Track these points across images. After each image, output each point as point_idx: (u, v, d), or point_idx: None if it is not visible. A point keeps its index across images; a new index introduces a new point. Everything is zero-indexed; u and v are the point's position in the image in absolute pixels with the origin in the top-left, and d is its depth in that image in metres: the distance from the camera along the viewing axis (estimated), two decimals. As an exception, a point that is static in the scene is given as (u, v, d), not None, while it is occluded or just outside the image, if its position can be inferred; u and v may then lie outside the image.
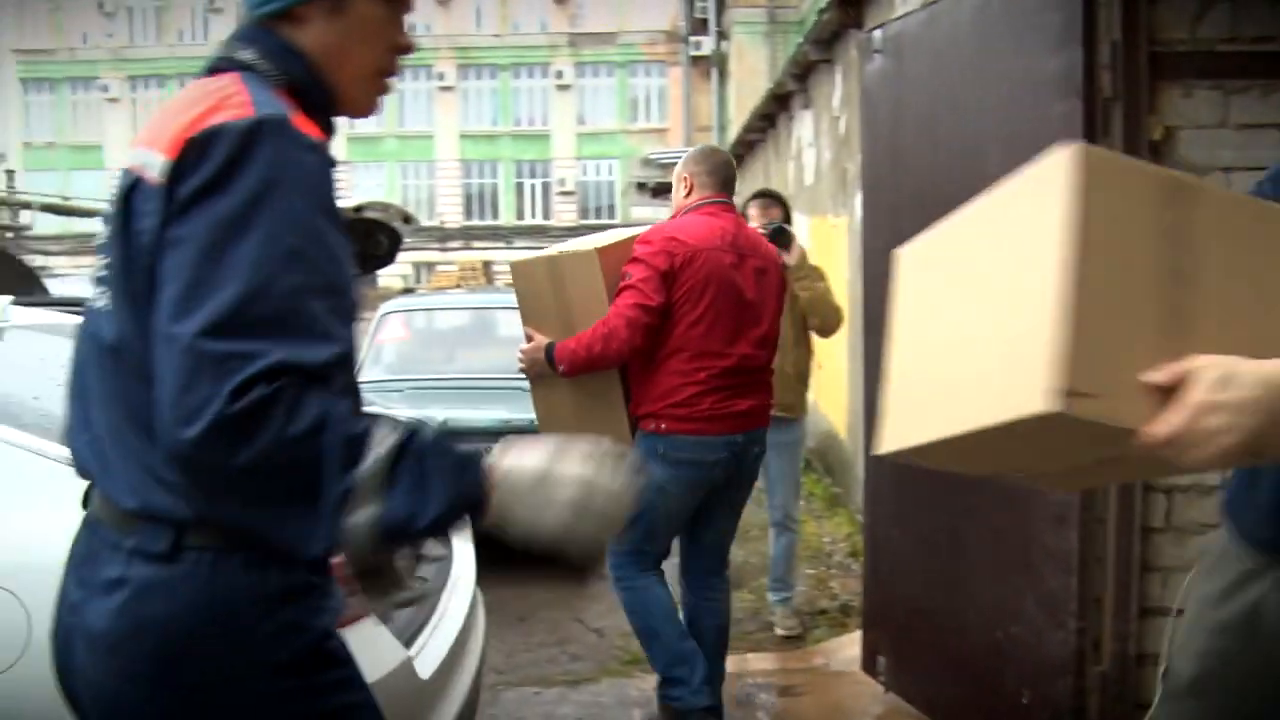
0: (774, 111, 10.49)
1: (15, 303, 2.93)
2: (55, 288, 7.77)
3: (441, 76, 36.84)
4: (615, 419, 3.42)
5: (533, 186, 37.27)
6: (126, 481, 1.34)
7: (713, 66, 32.42)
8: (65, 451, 1.64)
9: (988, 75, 3.15)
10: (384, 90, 1.54)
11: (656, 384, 3.38)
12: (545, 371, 3.42)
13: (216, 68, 1.41)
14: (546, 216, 37.15)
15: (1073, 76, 2.87)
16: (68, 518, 2.16)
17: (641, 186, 32.05)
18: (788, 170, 9.81)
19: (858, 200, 5.11)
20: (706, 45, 32.66)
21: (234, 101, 1.29)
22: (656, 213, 30.94)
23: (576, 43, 36.35)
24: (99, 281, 1.40)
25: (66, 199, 35.71)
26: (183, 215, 1.24)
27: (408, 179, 37.42)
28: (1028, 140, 2.72)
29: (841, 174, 6.92)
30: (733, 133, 18.64)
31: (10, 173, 33.63)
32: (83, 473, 1.47)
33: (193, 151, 1.25)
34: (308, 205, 1.26)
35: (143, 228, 1.28)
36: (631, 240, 3.43)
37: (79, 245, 35.85)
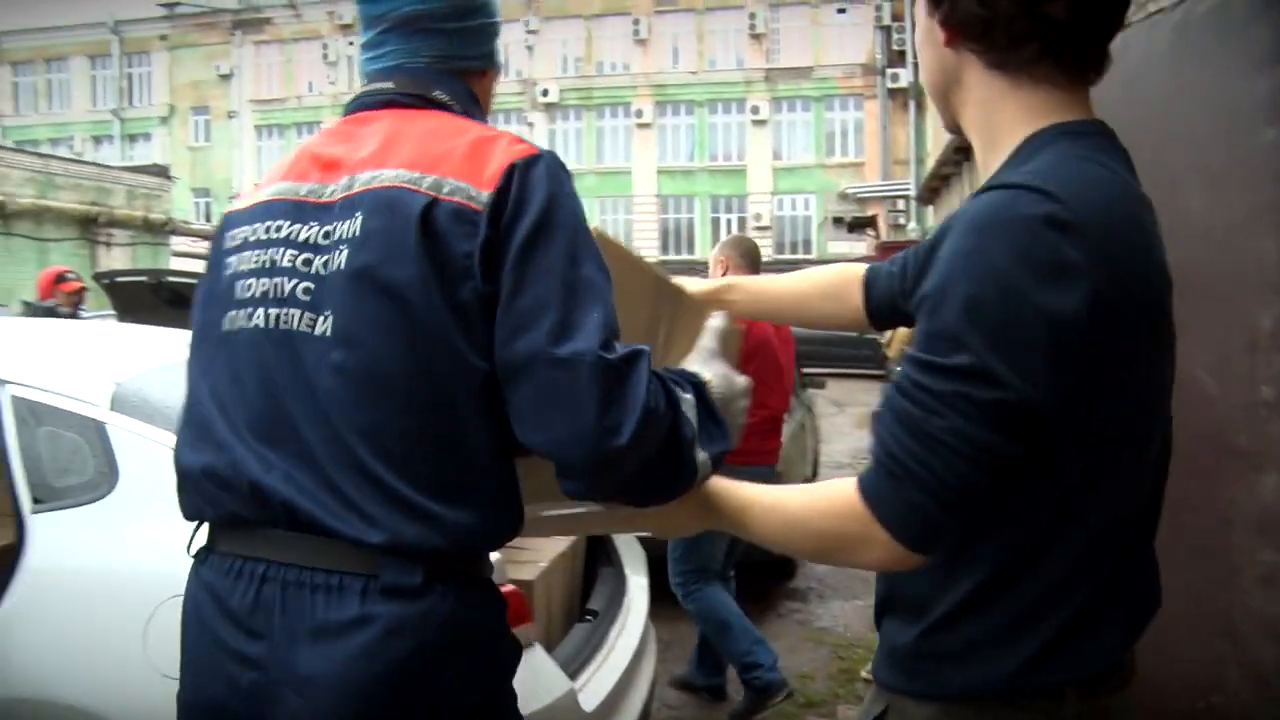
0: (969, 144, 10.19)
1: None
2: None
3: (640, 114, 37.52)
4: None
5: (728, 221, 37.37)
6: (367, 517, 1.31)
7: (910, 99, 31.90)
8: None
9: (1184, 102, 2.98)
10: None
11: None
12: None
13: (402, 104, 1.52)
14: (739, 252, 37.22)
15: (1283, 101, 2.68)
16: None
17: (838, 221, 31.73)
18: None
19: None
20: (904, 77, 32.20)
21: (510, 137, 1.42)
22: (852, 248, 30.56)
23: (772, 78, 36.40)
24: (292, 304, 1.38)
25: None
26: (531, 248, 1.32)
27: (606, 214, 38.21)
28: (1229, 171, 2.56)
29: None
30: (930, 167, 18.20)
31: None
32: (281, 509, 1.36)
33: (514, 184, 1.35)
34: (584, 229, 1.39)
35: (467, 251, 1.33)
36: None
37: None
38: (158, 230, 32.30)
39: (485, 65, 1.61)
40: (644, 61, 37.62)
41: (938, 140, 24.65)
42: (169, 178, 33.92)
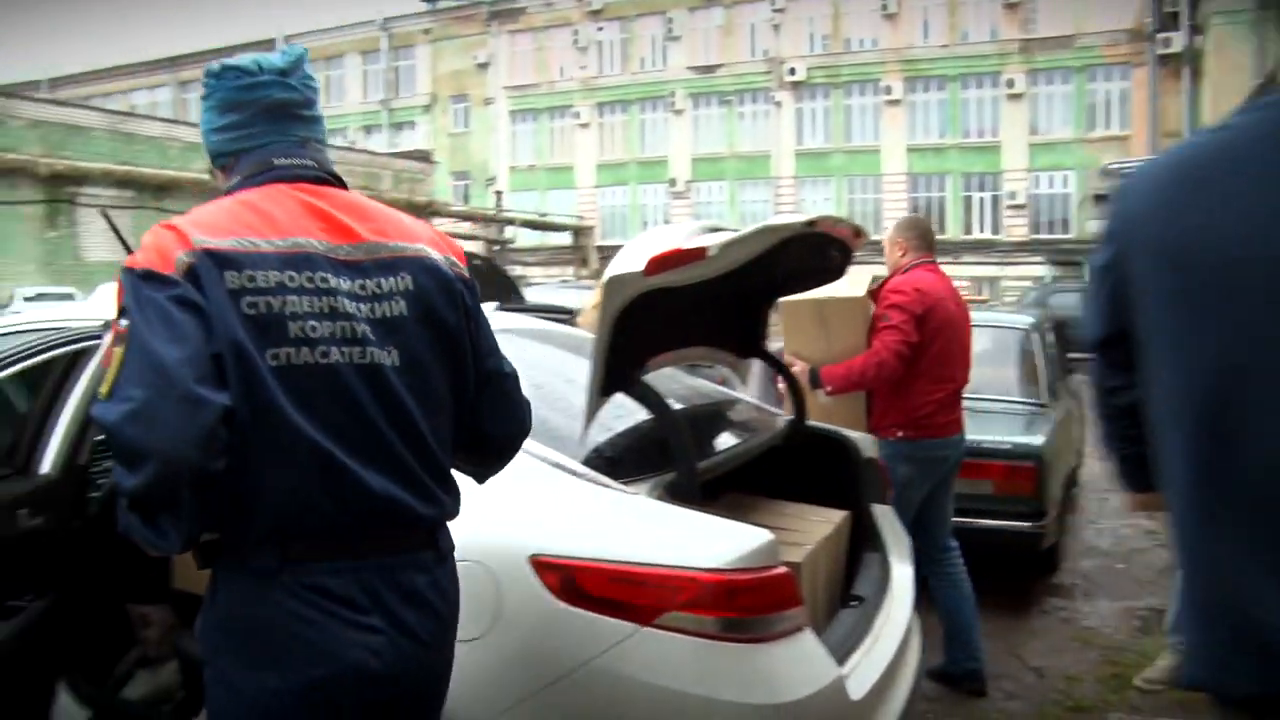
0: None
1: (499, 308, 3.24)
2: (531, 295, 8.56)
3: (889, 90, 36.62)
4: (857, 421, 4.20)
5: (981, 200, 36.05)
6: (439, 502, 1.84)
7: (1184, 65, 29.67)
8: (534, 445, 2.23)
9: None
10: None
11: (904, 402, 4.21)
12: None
13: (328, 182, 1.89)
14: (995, 231, 35.81)
15: None
16: (528, 499, 2.33)
17: (1100, 199, 29.91)
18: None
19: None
20: (1177, 42, 29.97)
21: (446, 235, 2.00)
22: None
23: (1029, 49, 34.66)
24: (362, 343, 1.72)
25: (543, 215, 39.53)
26: (475, 298, 1.92)
27: (854, 193, 37.56)
28: None
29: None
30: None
31: (499, 194, 37.75)
32: (385, 504, 1.74)
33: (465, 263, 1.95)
34: None
35: (468, 303, 1.90)
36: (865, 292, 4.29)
37: (551, 257, 39.53)
38: (420, 211, 34.03)
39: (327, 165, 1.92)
40: (893, 36, 36.62)
41: (1215, 109, 22.70)
42: (431, 162, 35.81)
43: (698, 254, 2.20)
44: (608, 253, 40.92)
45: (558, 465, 2.36)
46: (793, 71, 37.88)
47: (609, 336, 2.32)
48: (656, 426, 2.52)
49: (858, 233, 3.00)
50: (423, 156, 37.65)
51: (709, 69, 39.90)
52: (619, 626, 2.15)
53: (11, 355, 2.62)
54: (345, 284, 1.71)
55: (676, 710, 2.14)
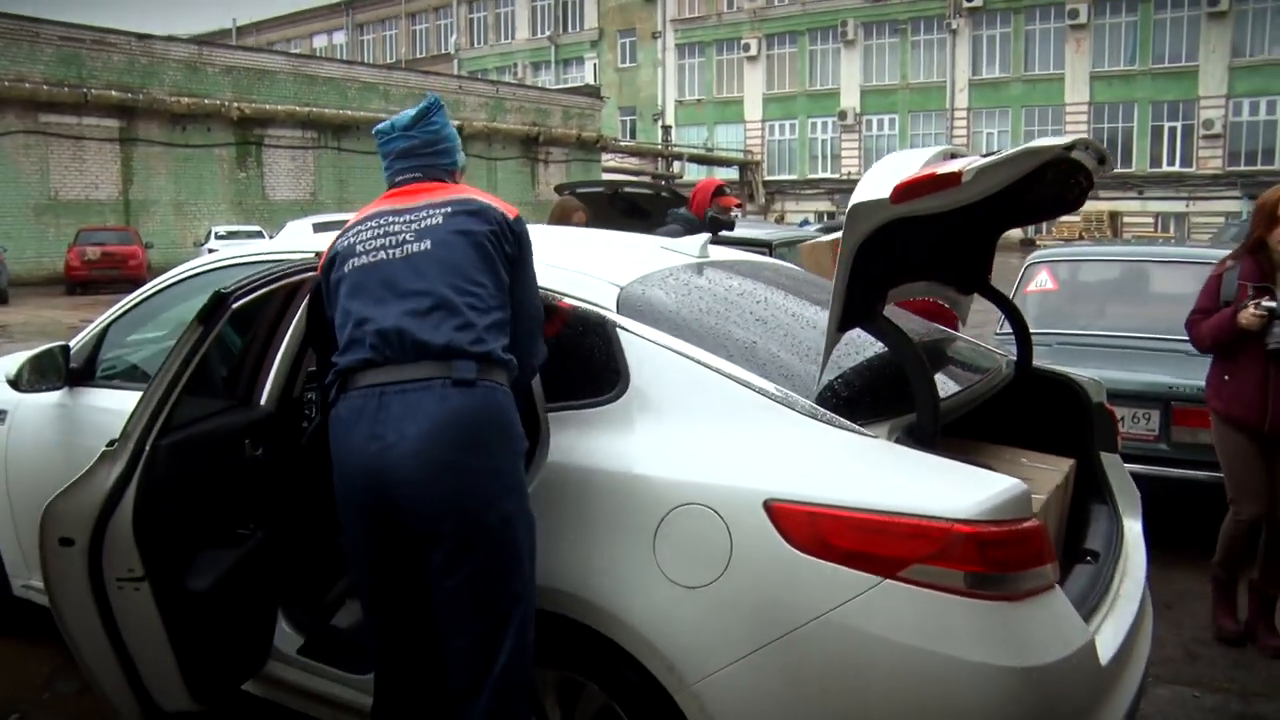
0: None
1: (711, 240, 3.12)
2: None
3: (1074, 14, 34.72)
4: None
5: (1171, 130, 34.06)
6: (440, 331, 2.33)
7: None
8: (765, 383, 2.26)
9: None
10: None
11: None
12: None
13: (434, 176, 2.67)
14: (1186, 163, 33.77)
15: None
16: (761, 440, 2.21)
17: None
18: None
19: None
20: None
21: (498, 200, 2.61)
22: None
23: (1239, -38, 32.21)
24: (412, 242, 2.47)
25: (709, 149, 39.21)
26: (520, 252, 2.52)
27: (1032, 125, 35.96)
28: None
29: None
30: None
31: (666, 129, 37.60)
32: (396, 336, 2.33)
33: (520, 220, 2.56)
34: None
35: (500, 239, 2.48)
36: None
37: (717, 194, 39.20)
38: (589, 147, 34.30)
39: (454, 168, 2.73)
40: (1081, -44, 34.63)
41: None
42: (599, 98, 35.84)
43: (952, 180, 2.01)
44: (774, 187, 40.49)
45: (791, 405, 2.23)
46: (970, -3, 36.29)
47: (849, 267, 2.16)
48: (895, 364, 2.36)
49: (1103, 159, 2.74)
50: (591, 92, 37.72)
51: (883, -4, 38.61)
52: (859, 578, 2.01)
53: (244, 286, 2.64)
54: (401, 219, 2.50)
55: (919, 670, 2.00)
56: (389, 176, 2.65)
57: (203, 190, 27.34)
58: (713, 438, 2.25)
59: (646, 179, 29.30)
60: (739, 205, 7.11)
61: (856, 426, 2.19)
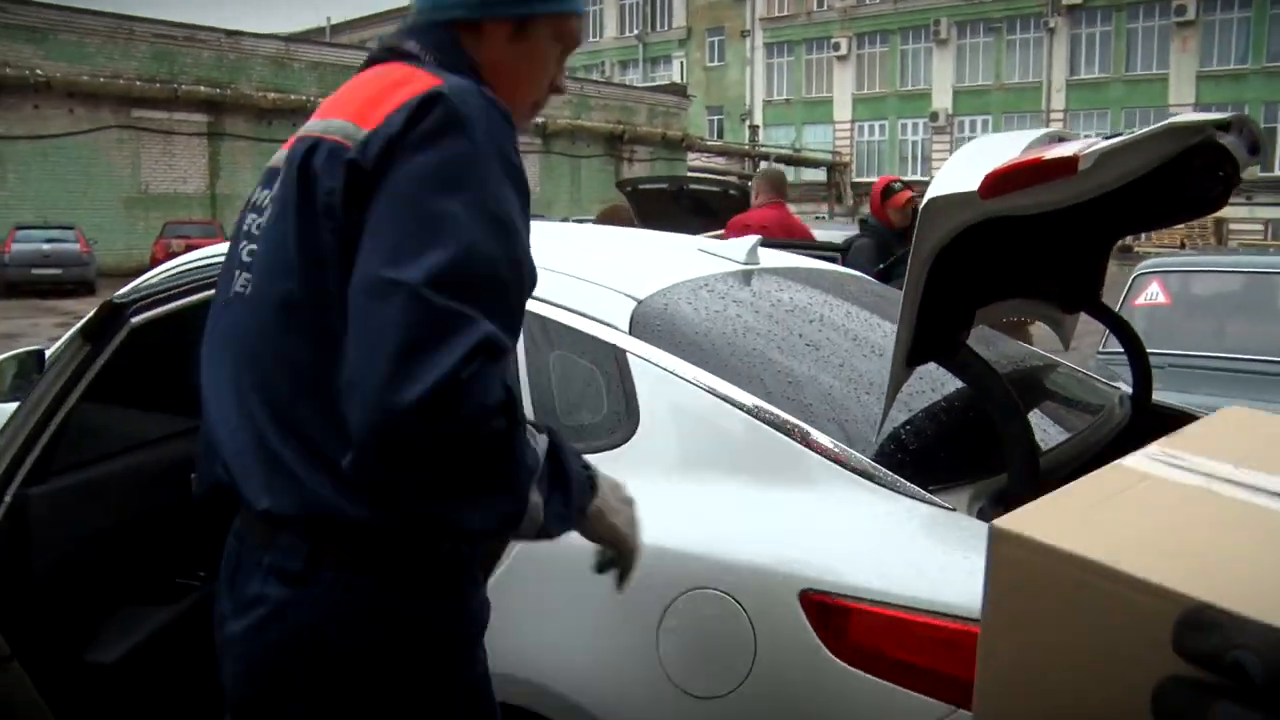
0: None
1: (762, 243, 2.59)
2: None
3: (1180, 10, 33.30)
4: None
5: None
6: (263, 478, 1.29)
7: None
8: (810, 430, 1.73)
9: None
10: (531, 124, 1.57)
11: None
12: None
13: (377, 59, 1.42)
14: (1301, 168, 32.10)
15: None
16: (800, 510, 1.71)
17: None
18: None
19: None
20: None
21: (429, 79, 1.29)
22: None
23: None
24: (241, 268, 1.39)
25: (797, 150, 38.56)
26: (392, 172, 1.21)
27: (1134, 128, 34.48)
28: None
29: None
30: None
31: (754, 128, 37.05)
32: (223, 476, 1.36)
33: (395, 122, 1.23)
34: (505, 174, 1.24)
35: (329, 187, 1.25)
36: None
37: (805, 193, 38.61)
38: (674, 146, 33.90)
39: (468, 14, 1.41)
40: (1190, -52, 33.23)
41: None
42: (686, 96, 35.41)
43: (1066, 166, 1.47)
44: (863, 189, 39.58)
45: (842, 462, 1.70)
46: (1070, -6, 35.09)
47: (924, 283, 1.63)
48: (979, 410, 1.82)
49: (1256, 146, 2.16)
50: (678, 90, 37.26)
51: (978, -6, 37.53)
52: (924, 705, 1.48)
53: (148, 296, 2.19)
54: (257, 198, 1.45)
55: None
56: None
57: (287, 185, 27.48)
58: (739, 501, 1.73)
59: (729, 177, 28.83)
60: (911, 201, 5.83)
61: (927, 493, 1.66)
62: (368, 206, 1.21)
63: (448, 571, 1.35)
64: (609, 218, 5.43)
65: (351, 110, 1.29)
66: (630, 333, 1.96)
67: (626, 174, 31.02)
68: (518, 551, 1.84)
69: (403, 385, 1.09)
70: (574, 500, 1.33)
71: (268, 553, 1.29)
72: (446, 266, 1.14)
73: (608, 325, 1.98)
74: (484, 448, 1.15)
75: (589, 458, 1.81)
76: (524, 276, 1.26)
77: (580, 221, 7.50)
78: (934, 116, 38.63)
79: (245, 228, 1.41)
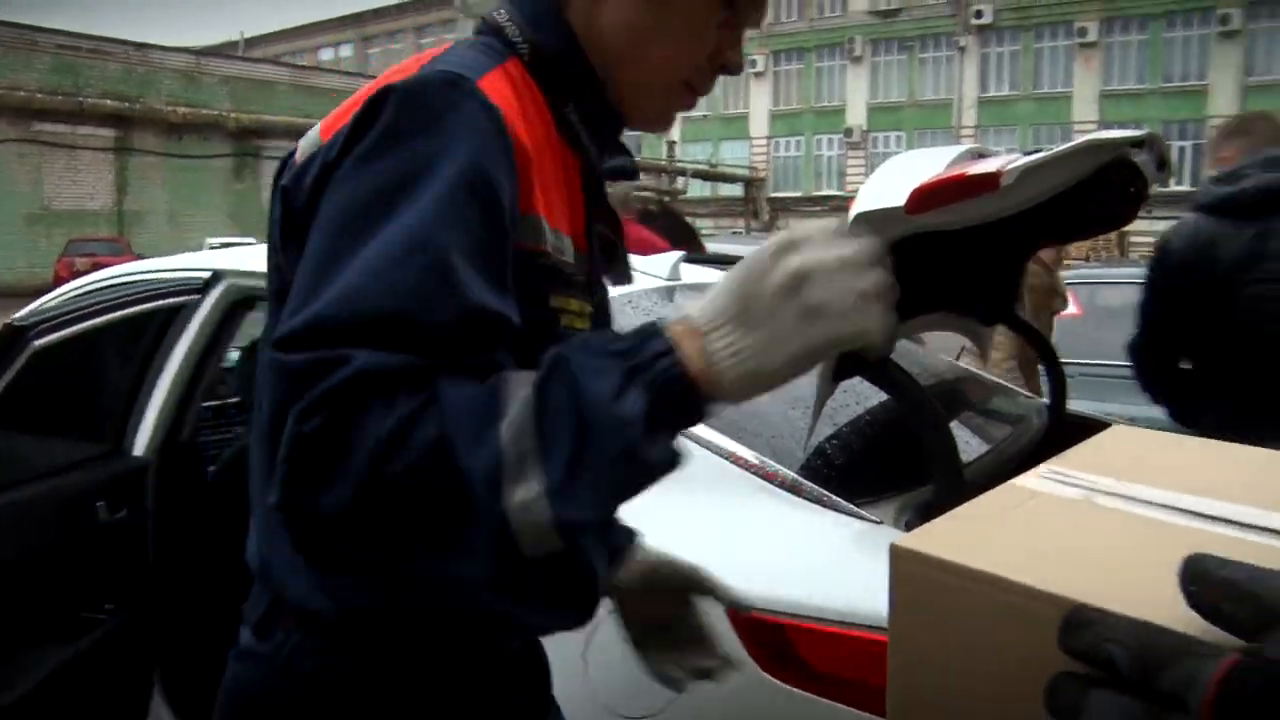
0: None
1: (683, 259, 2.59)
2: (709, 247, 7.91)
3: (1083, 32, 34.34)
4: None
5: (1181, 149, 33.55)
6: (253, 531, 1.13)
7: None
8: (735, 446, 1.65)
9: None
10: (684, 106, 1.14)
11: None
12: None
13: (479, 30, 1.14)
14: (1196, 182, 33.23)
15: None
16: (729, 527, 1.71)
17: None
18: None
19: None
20: None
21: (407, 66, 1.02)
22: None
23: (1247, -18, 31.90)
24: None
25: (715, 165, 38.87)
26: (324, 201, 0.93)
27: (1041, 143, 35.47)
28: None
29: None
30: None
31: (671, 143, 37.22)
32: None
33: (349, 127, 0.96)
34: (459, 191, 0.90)
35: (274, 217, 1.04)
36: None
37: (723, 208, 38.94)
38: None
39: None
40: (1078, -27, 34.39)
41: None
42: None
43: (989, 183, 1.50)
44: (779, 204, 40.05)
45: (768, 477, 1.70)
46: (979, 14, 36.05)
47: (849, 299, 1.65)
48: (904, 424, 1.84)
49: (1163, 165, 2.22)
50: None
51: (890, 13, 38.32)
52: (857, 718, 1.50)
53: (51, 318, 2.11)
54: None
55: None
56: None
57: (199, 201, 26.94)
58: (667, 519, 1.72)
59: (645, 193, 28.91)
60: None
61: (854, 506, 1.66)
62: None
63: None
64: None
65: (332, 115, 1.07)
66: (556, 350, 1.95)
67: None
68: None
69: (273, 475, 0.84)
70: (605, 450, 0.80)
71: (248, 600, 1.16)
72: (317, 315, 0.85)
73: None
74: (397, 500, 0.80)
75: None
76: (445, 323, 0.87)
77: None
78: (849, 132, 39.24)
79: None
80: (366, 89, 1.00)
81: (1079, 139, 1.64)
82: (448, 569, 0.87)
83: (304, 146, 1.05)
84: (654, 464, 0.82)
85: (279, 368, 0.84)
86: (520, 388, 0.81)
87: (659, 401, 0.80)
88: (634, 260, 2.60)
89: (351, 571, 0.98)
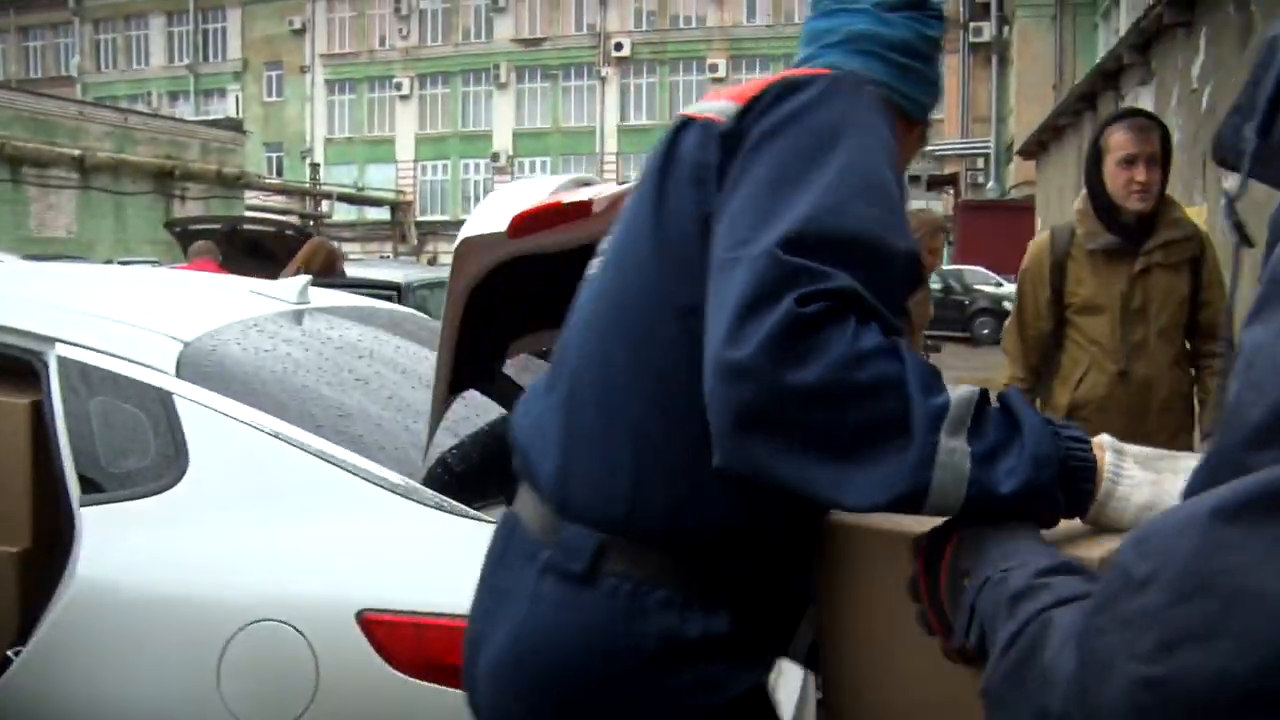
0: (1095, 91, 9.42)
1: (313, 283, 2.62)
2: (350, 272, 7.83)
3: (714, 68, 36.83)
4: None
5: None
6: (559, 463, 1.21)
7: (993, 54, 30.72)
8: (360, 460, 1.69)
9: None
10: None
11: None
12: None
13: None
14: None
15: None
16: (353, 535, 1.77)
17: (915, 179, 30.70)
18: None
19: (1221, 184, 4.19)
20: (987, 32, 30.94)
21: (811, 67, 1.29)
22: (930, 206, 29.59)
23: (853, 31, 35.46)
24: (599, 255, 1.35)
25: (360, 189, 38.13)
26: (755, 151, 1.13)
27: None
28: None
29: (1200, 155, 5.97)
30: (1013, 125, 17.18)
31: (315, 166, 36.16)
32: (519, 457, 1.32)
33: (769, 94, 1.17)
34: (882, 151, 1.14)
35: (699, 161, 1.18)
36: None
37: (369, 232, 38.22)
38: (231, 184, 32.26)
39: (915, 114, 1.41)
40: (719, 15, 36.82)
41: (1022, 96, 23.56)
42: (242, 132, 33.89)
43: (581, 209, 1.67)
44: (427, 228, 39.89)
45: (390, 487, 1.80)
46: (619, 47, 37.63)
47: (459, 316, 1.77)
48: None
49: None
50: (234, 125, 35.56)
51: (534, 42, 39.21)
52: (479, 703, 1.62)
53: None
54: None
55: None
56: None
57: None
58: (295, 533, 1.78)
59: (289, 217, 27.92)
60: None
61: (470, 510, 1.80)
62: (734, 180, 1.12)
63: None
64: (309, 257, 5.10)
65: (733, 94, 1.22)
66: (177, 375, 1.94)
67: (179, 213, 29.14)
68: (69, 598, 1.77)
69: (741, 339, 0.97)
70: (1031, 449, 0.96)
71: (546, 549, 1.19)
72: (800, 227, 1.01)
73: (153, 369, 1.95)
74: (848, 399, 0.95)
75: (136, 505, 1.78)
76: (902, 255, 1.08)
77: (126, 264, 7.00)
78: (495, 157, 39.72)
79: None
80: (759, 83, 1.20)
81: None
82: (841, 485, 0.96)
83: (713, 109, 1.20)
84: (1050, 498, 0.97)
85: (765, 256, 1.00)
86: (965, 386, 0.99)
87: (1065, 470, 0.97)
88: (262, 284, 2.63)
89: (754, 468, 1.01)
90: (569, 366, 1.25)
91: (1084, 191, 3.29)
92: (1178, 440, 3.20)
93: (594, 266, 1.35)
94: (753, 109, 1.16)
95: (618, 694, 1.16)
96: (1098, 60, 9.34)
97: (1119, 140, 3.13)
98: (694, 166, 1.17)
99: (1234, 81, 5.61)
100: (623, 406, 1.17)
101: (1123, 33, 8.76)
